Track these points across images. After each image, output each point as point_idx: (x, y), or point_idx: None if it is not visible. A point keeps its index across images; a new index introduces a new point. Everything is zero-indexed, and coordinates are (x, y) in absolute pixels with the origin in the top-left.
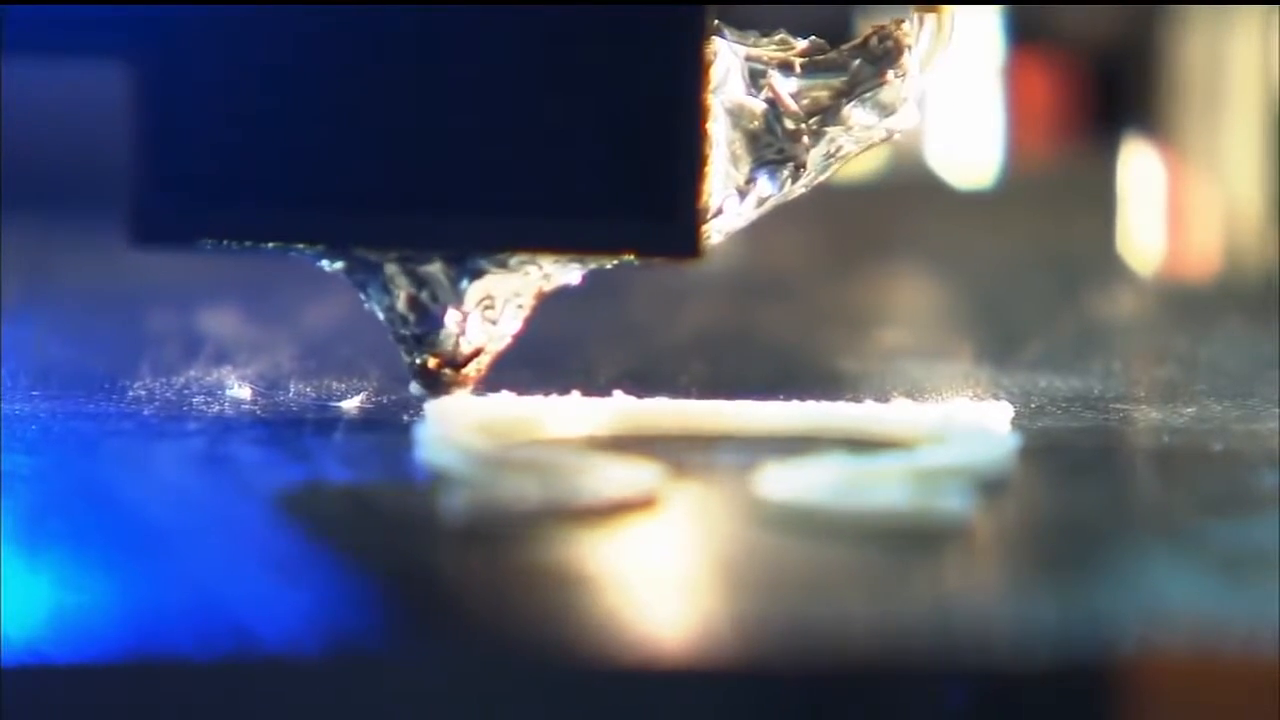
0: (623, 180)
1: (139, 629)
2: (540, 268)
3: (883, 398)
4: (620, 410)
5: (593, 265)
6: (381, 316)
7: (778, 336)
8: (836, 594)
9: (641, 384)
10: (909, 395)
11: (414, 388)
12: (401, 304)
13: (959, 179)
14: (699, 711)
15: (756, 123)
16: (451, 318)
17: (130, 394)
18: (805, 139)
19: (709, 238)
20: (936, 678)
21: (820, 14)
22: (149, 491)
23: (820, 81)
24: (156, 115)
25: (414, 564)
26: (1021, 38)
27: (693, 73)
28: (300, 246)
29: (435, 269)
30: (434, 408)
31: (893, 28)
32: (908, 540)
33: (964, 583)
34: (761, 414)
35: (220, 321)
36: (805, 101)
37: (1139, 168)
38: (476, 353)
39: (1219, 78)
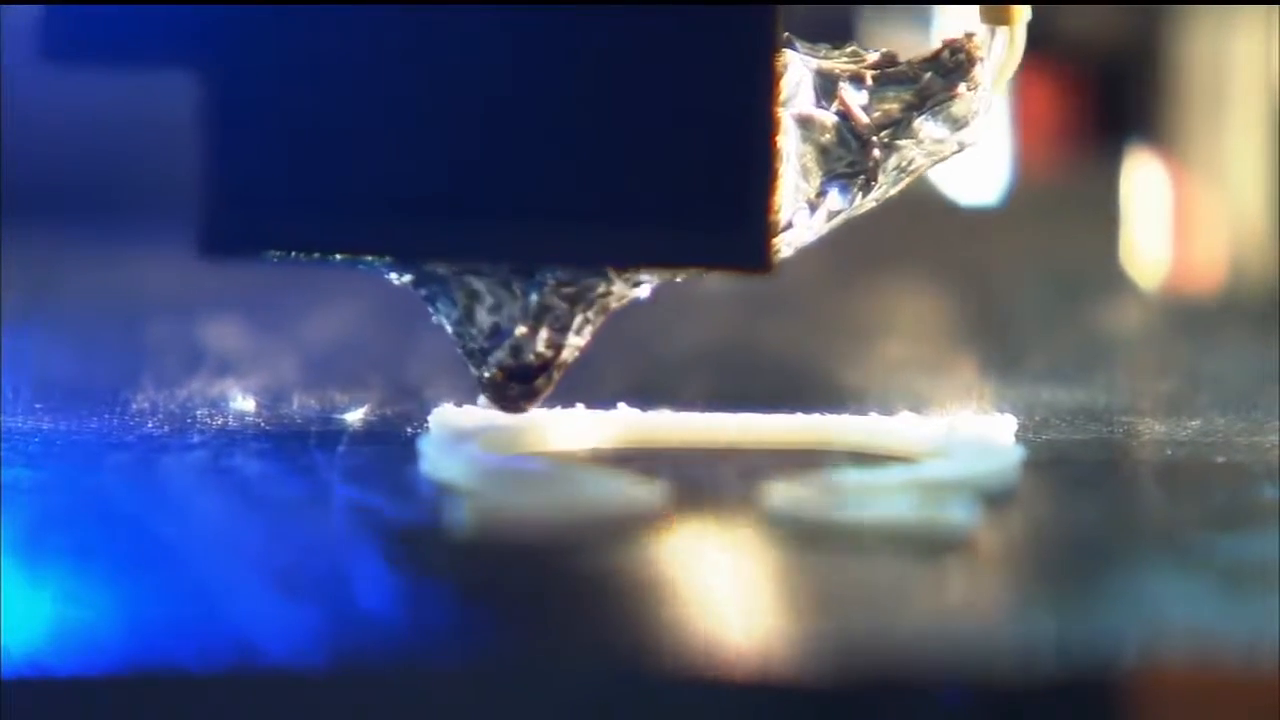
0: (693, 192)
1: (140, 643)
2: (609, 281)
3: (887, 411)
4: (624, 423)
5: (662, 279)
6: (449, 330)
7: (782, 349)
8: (848, 607)
9: (645, 397)
10: (913, 408)
11: (481, 401)
12: (469, 317)
13: (964, 195)
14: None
15: (827, 136)
16: (520, 331)
17: (133, 407)
18: (876, 152)
19: (779, 251)
20: (939, 689)
21: (822, 14)
22: (151, 505)
23: (891, 94)
24: (223, 126)
25: (417, 575)
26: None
27: (764, 84)
28: (368, 259)
29: (503, 282)
30: (438, 419)
31: (965, 40)
32: (912, 553)
33: (967, 595)
34: (766, 427)
35: (223, 332)
36: (876, 114)
37: (1143, 179)
38: (544, 366)
39: (1223, 86)
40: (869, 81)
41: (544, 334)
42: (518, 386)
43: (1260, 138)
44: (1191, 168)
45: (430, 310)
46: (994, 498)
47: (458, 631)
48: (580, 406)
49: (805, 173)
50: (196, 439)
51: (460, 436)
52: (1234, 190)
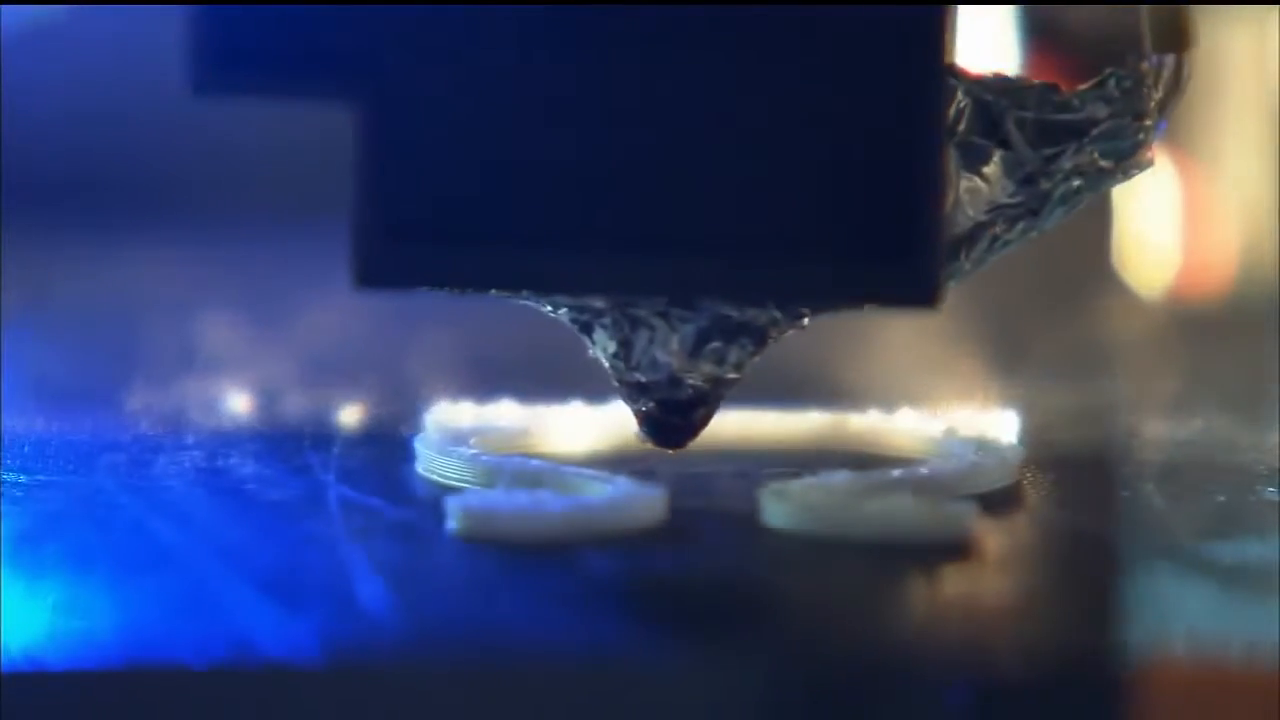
0: (858, 226)
1: (135, 642)
2: (769, 312)
3: (886, 409)
4: (622, 421)
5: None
6: (605, 363)
7: (780, 347)
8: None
9: None
10: (913, 406)
11: (638, 434)
12: (626, 350)
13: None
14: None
15: (990, 166)
16: (677, 365)
17: (128, 407)
18: (1040, 181)
19: (947, 286)
20: (940, 686)
21: None
22: (147, 506)
23: (1055, 122)
24: (380, 158)
25: (418, 574)
26: (1034, 39)
27: (931, 115)
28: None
29: (662, 315)
30: (433, 419)
31: (1131, 69)
32: (913, 551)
33: (968, 594)
34: (765, 425)
35: (218, 332)
36: (1040, 143)
37: (1142, 177)
38: (702, 399)
39: (1222, 83)
40: (1032, 110)
41: (702, 367)
42: (675, 419)
43: (1260, 137)
44: (1192, 166)
45: (587, 343)
46: (994, 496)
47: (461, 630)
48: (578, 403)
49: (967, 204)
50: (191, 439)
51: (456, 435)
52: (1236, 187)
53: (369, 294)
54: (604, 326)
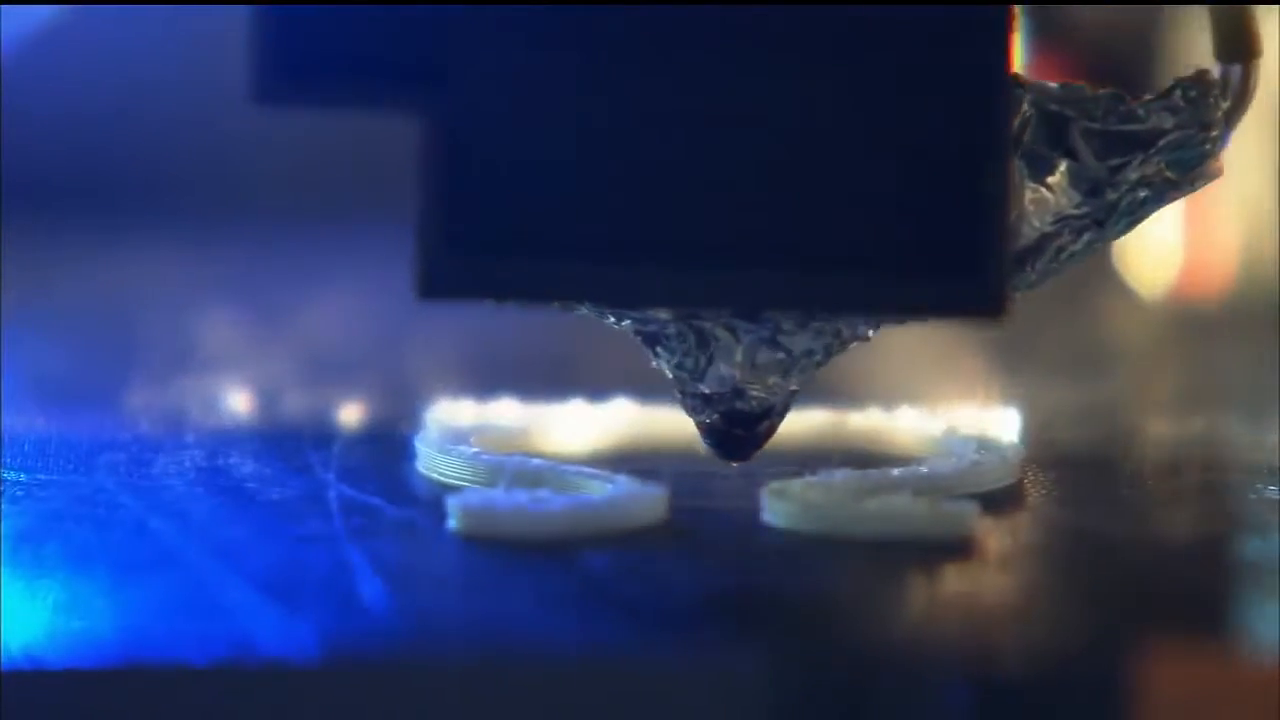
0: (924, 237)
1: (136, 642)
2: (833, 323)
3: (887, 407)
4: (623, 418)
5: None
6: (670, 375)
7: None
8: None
9: (645, 392)
10: (913, 405)
11: (704, 448)
12: (691, 363)
13: None
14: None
15: (1055, 176)
16: (742, 376)
17: (128, 406)
18: (1106, 192)
19: (1013, 297)
20: (940, 685)
21: None
22: (147, 505)
23: (1121, 133)
24: (445, 169)
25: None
26: (1036, 37)
27: (998, 125)
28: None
29: (727, 327)
30: (433, 417)
31: (1198, 79)
32: (914, 550)
33: (968, 593)
34: None
35: (218, 331)
36: (1105, 154)
37: None
38: (767, 411)
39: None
40: (1098, 120)
41: (767, 379)
42: (740, 432)
43: (1261, 137)
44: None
45: (651, 355)
46: (996, 494)
47: (461, 629)
48: (579, 401)
49: (1032, 215)
50: (191, 438)
51: (456, 433)
52: (1238, 189)
53: (432, 304)
54: (668, 338)
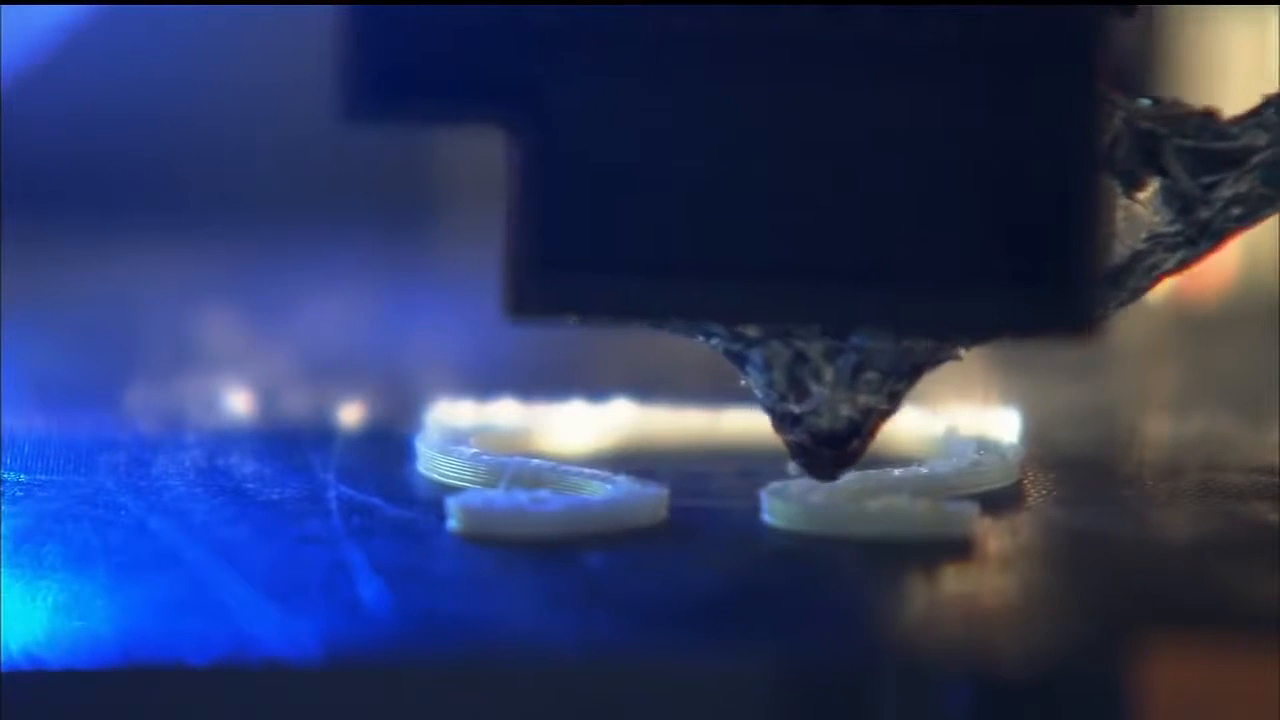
0: (1015, 255)
1: (135, 642)
2: (924, 341)
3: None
4: (623, 419)
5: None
6: (759, 393)
7: None
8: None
9: (645, 392)
10: (913, 405)
11: (792, 467)
12: (780, 381)
13: None
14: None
15: (1146, 193)
16: (832, 394)
17: (127, 406)
18: (1199, 210)
19: (1103, 315)
20: (941, 686)
21: None
22: (147, 505)
23: (1214, 150)
24: (536, 186)
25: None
26: None
27: (1090, 142)
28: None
29: (815, 344)
30: (433, 418)
31: None
32: (914, 551)
33: (969, 593)
34: (767, 423)
35: (217, 331)
36: (1198, 171)
37: None
38: (856, 430)
39: (1221, 82)
40: (1189, 137)
41: (856, 397)
42: (829, 451)
43: None
44: None
45: (740, 373)
46: (997, 495)
47: (461, 629)
48: (578, 402)
49: (1123, 233)
50: (190, 438)
51: (456, 433)
52: None
53: (521, 323)
54: (757, 356)
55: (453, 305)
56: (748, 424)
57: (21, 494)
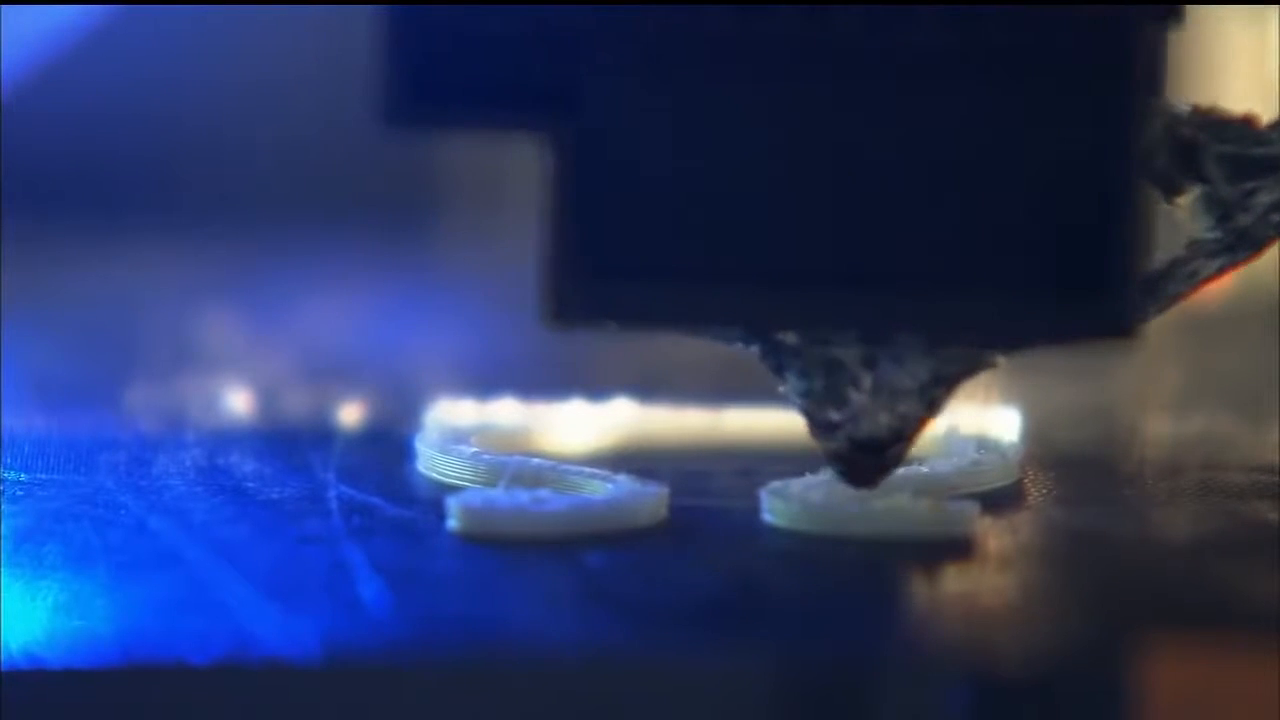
0: (1055, 261)
1: (135, 641)
2: (962, 348)
3: None
4: (623, 418)
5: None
6: (798, 401)
7: None
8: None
9: (645, 392)
10: None
11: (831, 474)
12: (819, 388)
13: None
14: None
15: (1186, 197)
16: (871, 402)
17: (128, 405)
18: (1238, 216)
19: (1143, 318)
20: (941, 685)
21: None
22: (147, 505)
23: (1253, 156)
24: (577, 194)
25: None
26: None
27: (1130, 148)
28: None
29: (854, 352)
30: (433, 417)
31: None
32: (914, 550)
33: (969, 593)
34: (767, 422)
35: (217, 330)
36: (1237, 178)
37: None
38: (895, 437)
39: (1221, 82)
40: (1231, 142)
41: (896, 405)
42: (867, 458)
43: None
44: None
45: (778, 381)
46: (997, 494)
47: (461, 629)
48: (579, 401)
49: (1163, 239)
50: (191, 438)
51: (455, 433)
52: None
53: (562, 331)
54: (796, 363)
55: (453, 304)
56: (748, 423)
57: (22, 493)
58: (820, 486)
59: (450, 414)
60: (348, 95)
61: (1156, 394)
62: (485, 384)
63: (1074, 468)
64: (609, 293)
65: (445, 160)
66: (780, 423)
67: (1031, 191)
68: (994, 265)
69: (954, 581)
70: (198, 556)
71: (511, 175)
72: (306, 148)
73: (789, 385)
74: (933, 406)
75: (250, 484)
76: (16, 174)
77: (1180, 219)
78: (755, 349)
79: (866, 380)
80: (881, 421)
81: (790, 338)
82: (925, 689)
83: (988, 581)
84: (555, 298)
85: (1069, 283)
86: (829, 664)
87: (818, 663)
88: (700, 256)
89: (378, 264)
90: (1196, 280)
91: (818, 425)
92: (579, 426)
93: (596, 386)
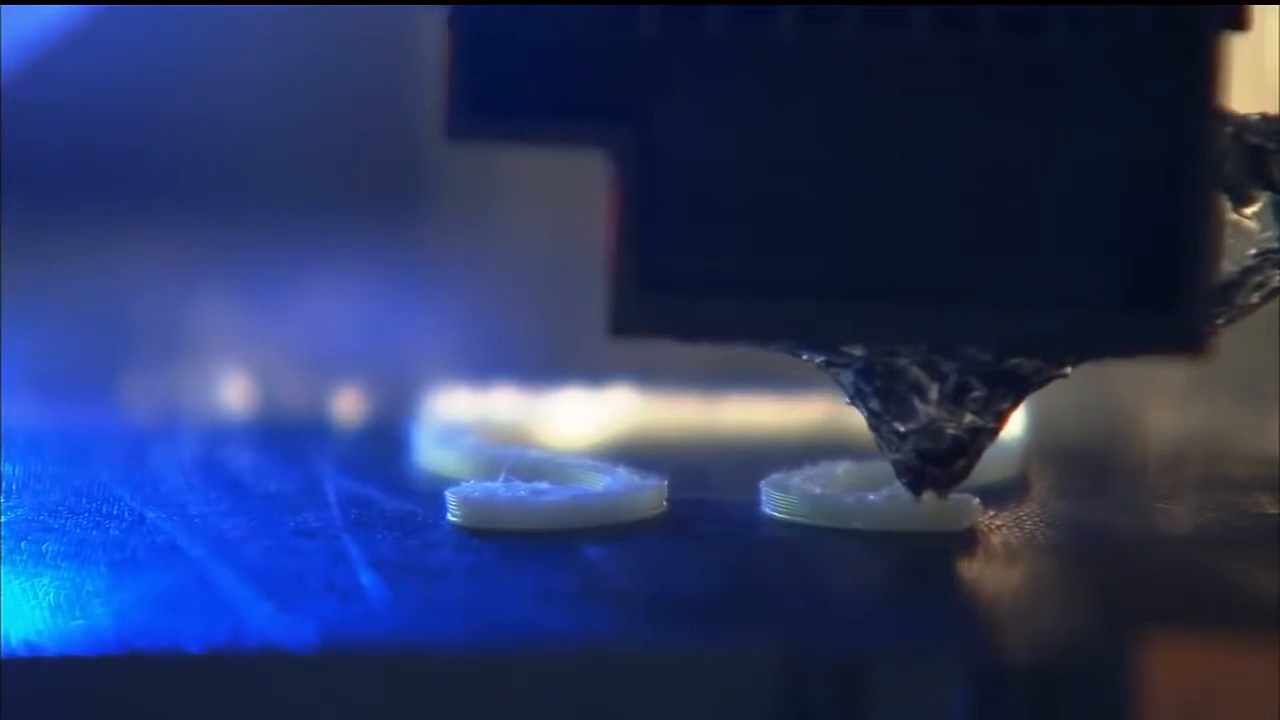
0: (1124, 273)
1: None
2: (1030, 360)
3: None
4: (623, 409)
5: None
6: (863, 412)
7: None
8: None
9: (644, 384)
10: None
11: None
12: (883, 400)
13: None
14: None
15: (1255, 207)
16: (937, 414)
17: (124, 397)
18: None
19: (1214, 332)
20: (943, 677)
21: None
22: (143, 497)
23: None
24: (640, 206)
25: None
26: None
27: (1201, 157)
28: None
29: (922, 363)
30: (431, 408)
31: None
32: (915, 542)
33: (970, 585)
34: (766, 414)
35: (214, 321)
36: None
37: None
38: (962, 448)
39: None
40: None
41: (963, 416)
42: (934, 469)
43: None
44: None
45: (842, 392)
46: (996, 487)
47: (459, 620)
48: (577, 392)
49: (1232, 249)
50: (187, 430)
51: (455, 425)
52: None
53: (624, 342)
54: (862, 375)
55: (451, 295)
56: (748, 415)
57: (18, 487)
58: (821, 478)
59: (448, 405)
60: (345, 83)
61: (1159, 387)
62: (483, 373)
63: (1076, 460)
64: (671, 305)
65: (440, 150)
66: (780, 414)
67: (1103, 204)
68: (1064, 278)
69: (954, 574)
70: (194, 549)
71: (507, 166)
72: (302, 137)
73: (853, 397)
74: (999, 418)
75: (248, 476)
76: (13, 165)
77: (1250, 229)
78: (821, 360)
79: (933, 392)
80: (948, 433)
81: (856, 350)
82: (926, 681)
83: (988, 574)
84: (617, 309)
85: (1141, 297)
86: (829, 656)
87: (817, 654)
88: (763, 270)
89: (376, 254)
90: (1266, 291)
91: (883, 436)
92: (578, 417)
93: (597, 373)
